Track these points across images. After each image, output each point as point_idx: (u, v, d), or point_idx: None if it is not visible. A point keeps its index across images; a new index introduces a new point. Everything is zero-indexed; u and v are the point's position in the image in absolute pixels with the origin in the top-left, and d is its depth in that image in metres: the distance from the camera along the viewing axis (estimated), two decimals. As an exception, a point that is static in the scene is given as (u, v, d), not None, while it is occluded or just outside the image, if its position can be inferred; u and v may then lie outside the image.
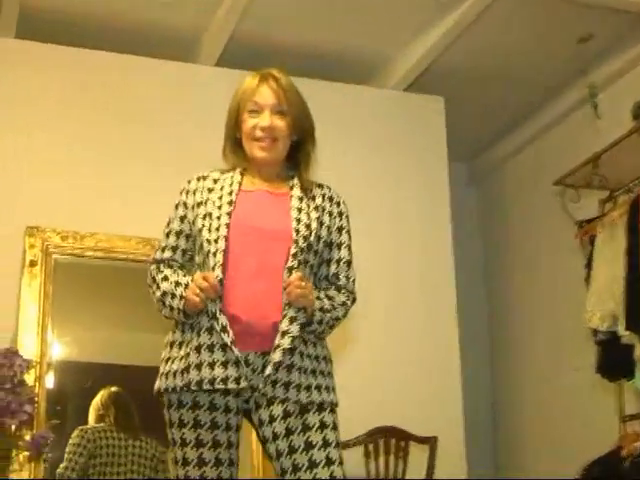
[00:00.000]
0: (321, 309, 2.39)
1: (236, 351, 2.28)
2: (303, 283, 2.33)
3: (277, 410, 2.33)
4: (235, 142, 2.55)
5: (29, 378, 3.74)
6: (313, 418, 2.33)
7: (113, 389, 4.20)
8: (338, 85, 4.92)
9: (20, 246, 4.17)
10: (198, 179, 2.53)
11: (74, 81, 4.51)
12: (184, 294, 2.35)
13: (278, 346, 2.31)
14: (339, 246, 2.52)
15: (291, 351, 2.32)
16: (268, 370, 2.29)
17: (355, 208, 4.35)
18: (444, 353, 4.74)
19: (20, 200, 4.28)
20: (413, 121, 5.06)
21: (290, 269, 2.36)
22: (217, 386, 2.28)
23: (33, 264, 4.13)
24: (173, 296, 2.38)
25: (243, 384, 2.29)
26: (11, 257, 4.17)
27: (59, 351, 4.25)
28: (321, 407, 2.35)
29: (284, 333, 2.32)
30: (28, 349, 3.95)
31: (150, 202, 4.26)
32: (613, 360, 3.98)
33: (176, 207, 2.53)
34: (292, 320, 2.33)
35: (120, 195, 4.43)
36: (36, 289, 4.11)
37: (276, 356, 2.30)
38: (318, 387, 2.36)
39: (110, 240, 4.31)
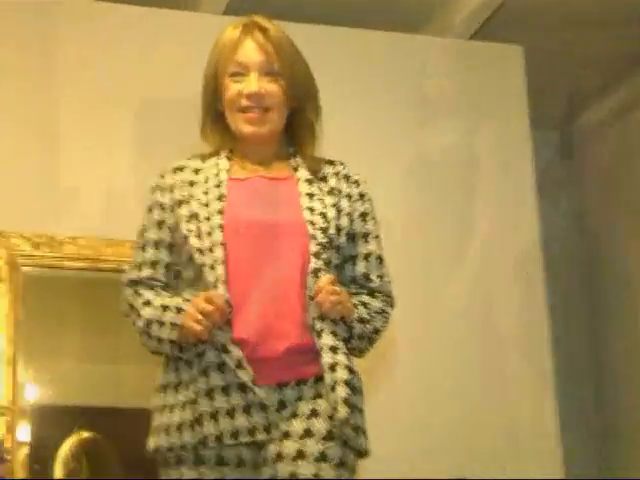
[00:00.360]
0: (360, 320, 2.16)
1: (261, 392, 2.05)
2: (337, 288, 2.10)
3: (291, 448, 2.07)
4: (216, 116, 2.28)
5: (-1, 428, 3.37)
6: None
7: (85, 435, 3.68)
8: (383, 34, 4.30)
9: (-22, 258, 3.71)
10: (174, 171, 2.25)
11: (46, 38, 3.92)
12: (177, 321, 2.09)
13: (336, 363, 2.07)
14: (365, 237, 2.26)
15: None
16: (343, 392, 2.05)
17: (407, 195, 4.16)
18: (532, 367, 4.13)
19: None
20: (483, 78, 4.39)
21: (316, 272, 2.11)
22: (243, 439, 2.04)
23: (-4, 280, 3.73)
24: (161, 324, 2.12)
25: (276, 434, 2.05)
26: (-33, 273, 3.68)
27: (34, 393, 3.72)
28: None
29: (334, 349, 2.08)
30: (-6, 392, 3.51)
31: (146, 197, 3.67)
32: None
33: (149, 210, 2.25)
34: (334, 335, 2.10)
35: (107, 188, 3.86)
36: (1, 313, 3.57)
37: (343, 374, 2.06)
38: (356, 428, 2.09)
39: (96, 246, 3.75)
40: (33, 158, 3.79)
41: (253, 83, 2.18)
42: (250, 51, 2.20)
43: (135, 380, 3.68)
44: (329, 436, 2.07)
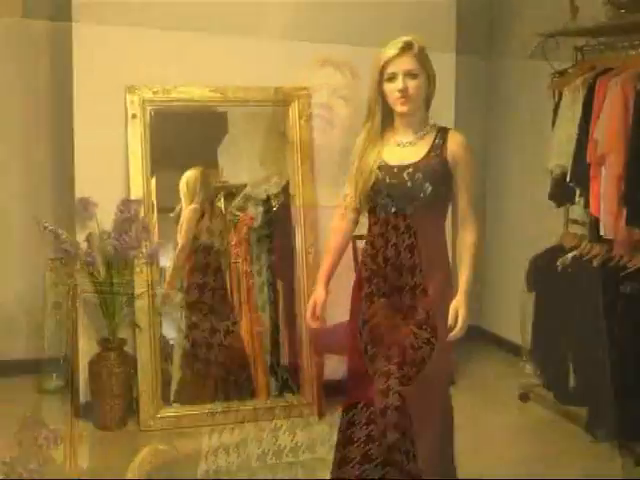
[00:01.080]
0: (411, 346, 2.22)
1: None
2: None
3: None
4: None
5: (57, 454, 3.16)
6: None
7: (159, 448, 3.40)
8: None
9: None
10: None
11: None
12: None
13: (387, 389, 2.10)
14: None
15: None
16: (394, 417, 2.06)
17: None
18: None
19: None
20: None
21: None
22: (286, 459, 2.15)
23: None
24: None
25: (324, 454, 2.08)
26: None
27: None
28: None
29: (387, 374, 2.14)
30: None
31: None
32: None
33: None
34: (387, 359, 2.15)
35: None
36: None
37: (395, 400, 2.09)
38: (407, 453, 2.11)
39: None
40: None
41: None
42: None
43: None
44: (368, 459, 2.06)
